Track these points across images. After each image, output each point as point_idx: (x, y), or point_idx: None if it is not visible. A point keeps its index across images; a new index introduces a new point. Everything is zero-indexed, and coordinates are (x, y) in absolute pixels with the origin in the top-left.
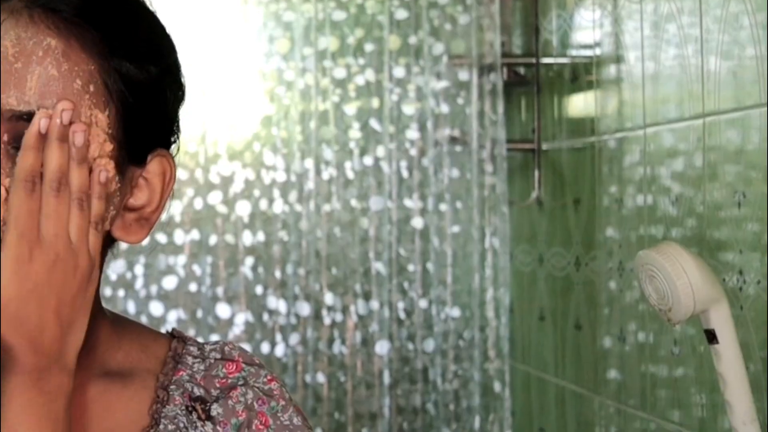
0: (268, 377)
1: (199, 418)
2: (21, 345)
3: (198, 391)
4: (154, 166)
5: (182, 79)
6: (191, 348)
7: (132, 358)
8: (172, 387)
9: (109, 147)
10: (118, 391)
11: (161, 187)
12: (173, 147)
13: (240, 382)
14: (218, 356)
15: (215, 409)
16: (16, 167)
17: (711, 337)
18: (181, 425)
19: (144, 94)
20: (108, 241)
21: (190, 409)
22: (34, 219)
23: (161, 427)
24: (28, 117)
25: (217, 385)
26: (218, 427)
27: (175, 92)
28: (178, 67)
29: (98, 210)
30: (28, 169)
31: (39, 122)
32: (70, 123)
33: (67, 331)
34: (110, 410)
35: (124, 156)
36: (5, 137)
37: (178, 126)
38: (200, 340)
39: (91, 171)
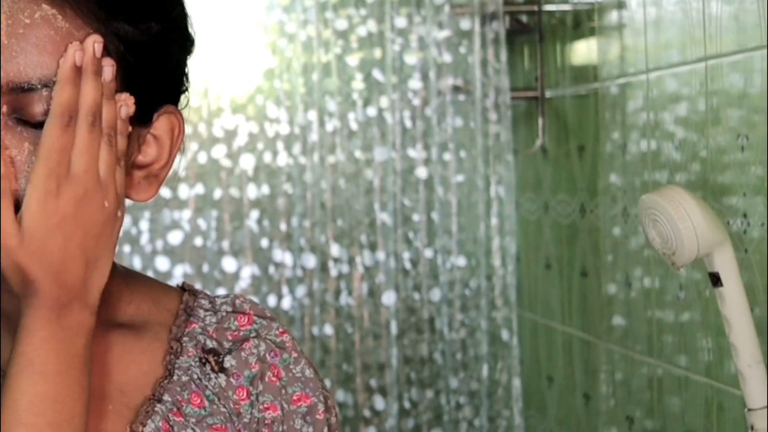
0: (280, 330)
1: (212, 369)
2: (44, 278)
3: (210, 344)
4: (162, 123)
5: (190, 29)
6: (202, 301)
7: (143, 311)
8: (185, 339)
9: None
10: (130, 344)
11: (170, 142)
12: (182, 98)
13: (252, 335)
14: (229, 309)
15: (228, 361)
16: (53, 102)
17: (715, 280)
18: (195, 376)
19: (146, 53)
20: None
21: (203, 360)
22: (66, 154)
23: (175, 378)
24: (28, 88)
25: (229, 338)
26: (231, 379)
27: (182, 44)
28: (185, 18)
29: (122, 146)
30: (64, 104)
31: (74, 55)
32: (102, 56)
33: (91, 267)
34: (123, 362)
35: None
36: (5, 108)
37: (186, 77)
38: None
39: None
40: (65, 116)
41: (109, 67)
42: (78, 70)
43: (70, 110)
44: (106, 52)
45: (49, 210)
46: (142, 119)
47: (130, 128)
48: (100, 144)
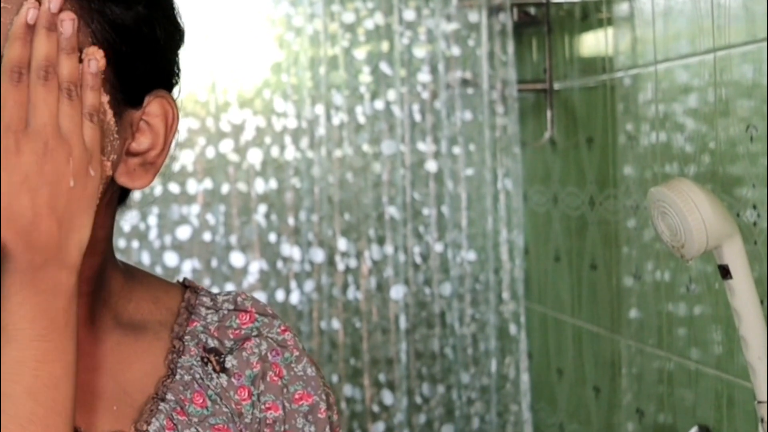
0: (282, 327)
1: (214, 369)
2: (14, 241)
3: (212, 343)
4: (154, 107)
5: (178, 18)
6: (204, 299)
7: (143, 309)
8: (187, 337)
9: (105, 98)
10: (132, 343)
11: (164, 129)
12: (175, 90)
13: (254, 333)
14: (231, 307)
15: (230, 361)
16: (3, 59)
17: (725, 272)
18: (197, 376)
19: (132, 34)
20: (117, 195)
21: (205, 360)
22: (22, 110)
23: (177, 377)
24: None
25: (231, 336)
26: (233, 379)
27: (169, 30)
28: (171, 4)
29: (92, 101)
30: (14, 60)
31: (27, 13)
32: (60, 12)
33: (66, 226)
34: (126, 362)
35: (119, 99)
36: None
37: (178, 67)
38: (215, 290)
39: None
40: (15, 72)
41: (68, 21)
42: (30, 28)
43: (19, 66)
44: (93, 34)
45: (10, 168)
46: (132, 102)
47: (108, 100)
48: (60, 98)
